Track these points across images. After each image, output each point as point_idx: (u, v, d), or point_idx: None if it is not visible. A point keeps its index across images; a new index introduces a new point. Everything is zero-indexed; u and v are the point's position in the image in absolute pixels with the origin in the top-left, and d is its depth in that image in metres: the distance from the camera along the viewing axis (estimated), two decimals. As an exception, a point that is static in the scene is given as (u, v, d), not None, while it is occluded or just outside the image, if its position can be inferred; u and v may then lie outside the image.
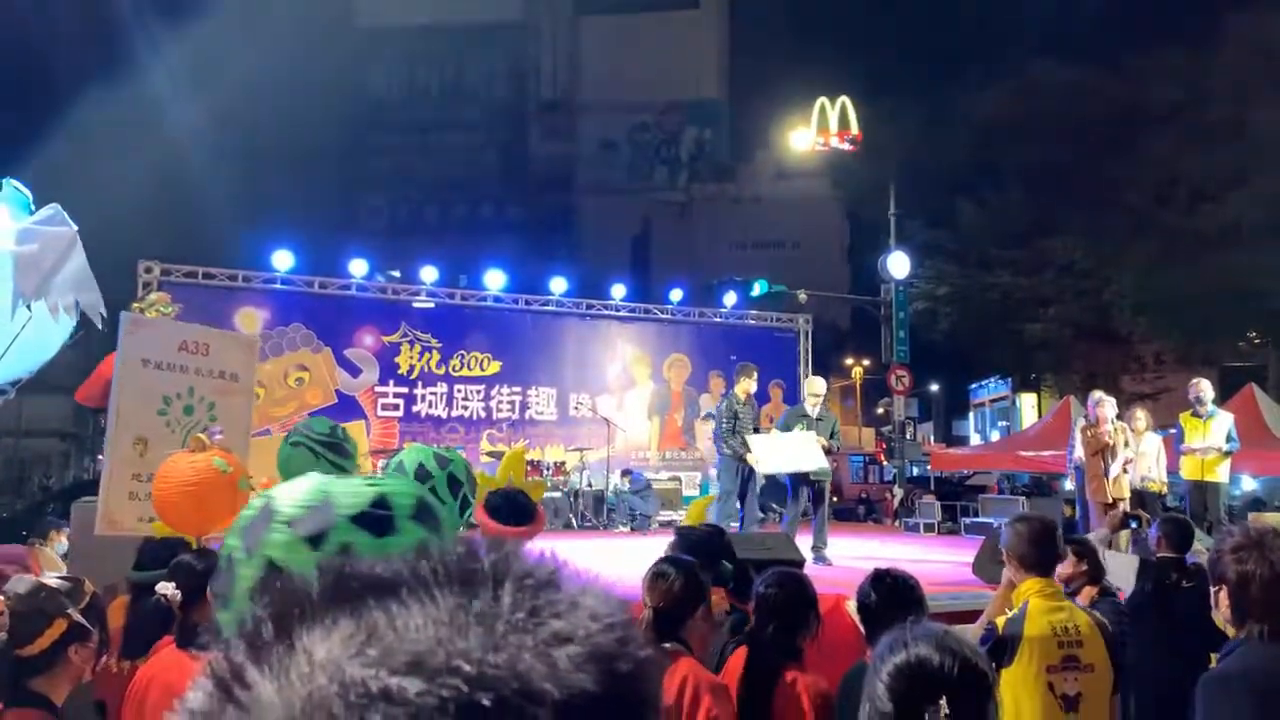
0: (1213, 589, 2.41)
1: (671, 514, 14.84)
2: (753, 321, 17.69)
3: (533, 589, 0.47)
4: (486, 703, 0.41)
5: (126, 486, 4.95)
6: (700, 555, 3.57)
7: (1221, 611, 2.38)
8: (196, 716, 0.45)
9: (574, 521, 13.22)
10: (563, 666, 0.43)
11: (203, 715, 0.44)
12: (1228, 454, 8.99)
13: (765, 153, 45.50)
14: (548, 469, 13.75)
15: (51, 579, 2.62)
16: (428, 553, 0.49)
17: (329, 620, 0.45)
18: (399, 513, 1.30)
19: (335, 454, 4.40)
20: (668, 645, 2.68)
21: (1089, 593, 4.53)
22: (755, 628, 3.01)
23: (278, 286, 14.30)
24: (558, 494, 13.22)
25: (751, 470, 8.57)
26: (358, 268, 14.86)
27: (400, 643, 0.43)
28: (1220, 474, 9.02)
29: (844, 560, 8.40)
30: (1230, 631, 2.41)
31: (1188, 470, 9.08)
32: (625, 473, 14.50)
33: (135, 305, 6.82)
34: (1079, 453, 8.83)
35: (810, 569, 7.03)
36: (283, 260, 14.24)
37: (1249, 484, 16.41)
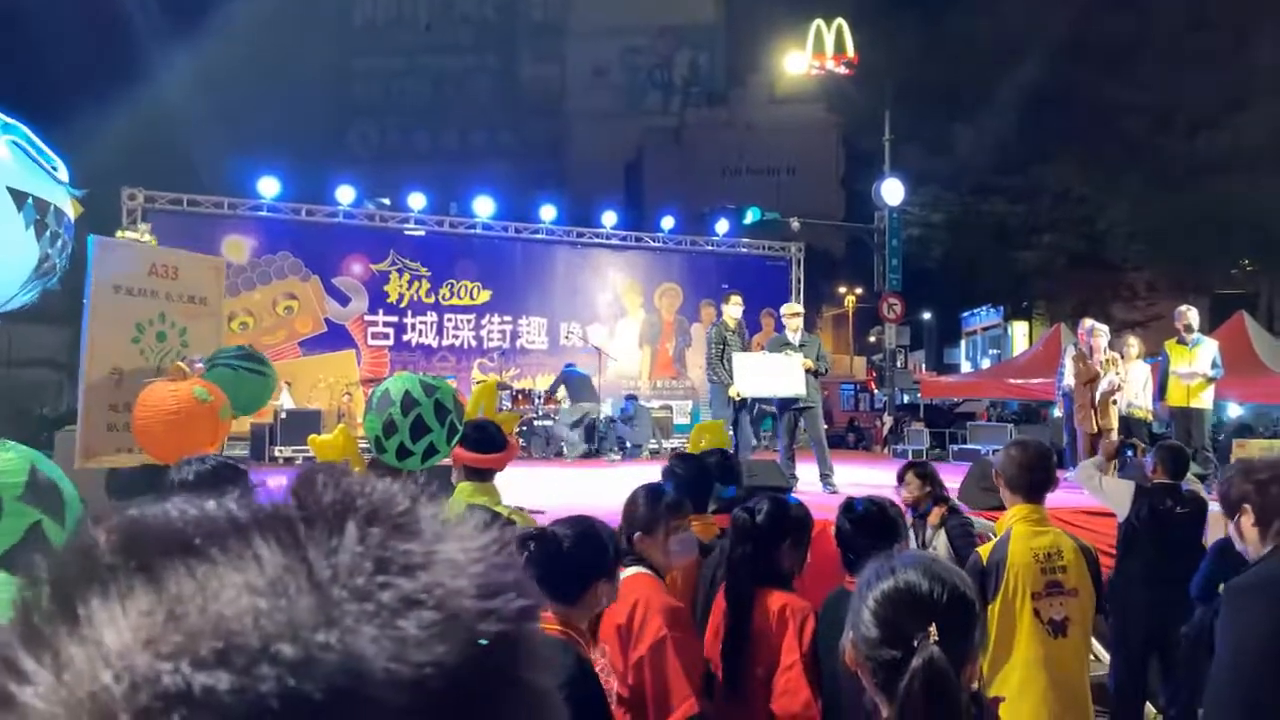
0: (1231, 521, 2.49)
1: (665, 441, 14.95)
2: (745, 250, 17.57)
3: (379, 537, 0.38)
4: (317, 697, 0.32)
5: (105, 418, 4.93)
6: (689, 481, 3.59)
7: (1246, 536, 2.44)
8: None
9: (565, 450, 13.29)
10: (412, 639, 0.34)
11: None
12: (1211, 380, 9.05)
13: (760, 77, 44.69)
14: (538, 398, 13.78)
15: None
16: (250, 495, 0.40)
17: (122, 592, 0.35)
18: (4, 494, 1.23)
19: (252, 363, 4.61)
20: (631, 568, 2.71)
21: (938, 512, 4.60)
22: (729, 550, 3.04)
23: (264, 214, 14.13)
24: (549, 422, 13.27)
25: (744, 400, 8.56)
26: (345, 195, 14.67)
27: (206, 623, 0.33)
28: (1204, 400, 9.09)
29: (843, 488, 8.47)
30: (1253, 553, 2.49)
31: (1173, 397, 9.14)
32: (630, 397, 14.77)
33: (120, 232, 6.72)
34: (1068, 380, 8.88)
35: (821, 497, 7.10)
36: (269, 187, 14.04)
37: (1235, 410, 16.53)
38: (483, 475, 3.35)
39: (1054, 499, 3.68)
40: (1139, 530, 4.82)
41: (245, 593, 0.34)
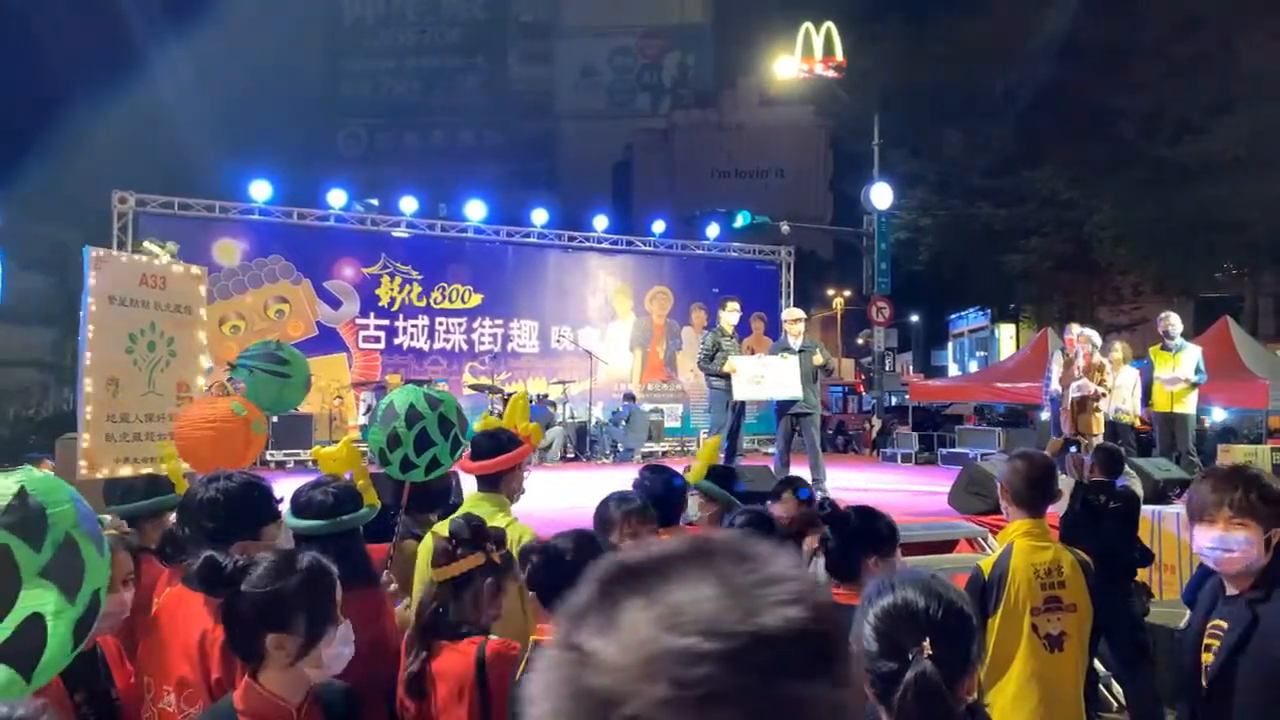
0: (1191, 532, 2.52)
1: (654, 446, 15.01)
2: (735, 254, 17.65)
3: (751, 561, 0.63)
4: (759, 649, 0.58)
5: (104, 428, 4.96)
6: (656, 494, 3.64)
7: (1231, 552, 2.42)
8: (552, 674, 0.61)
9: (556, 454, 13.35)
10: (791, 616, 0.60)
11: (558, 673, 0.61)
12: (1194, 386, 9.16)
13: (749, 79, 44.86)
14: (530, 401, 13.81)
15: None
16: (686, 541, 0.66)
17: (638, 598, 0.61)
18: None
19: (270, 363, 4.62)
20: None
21: (811, 541, 3.86)
22: None
23: (255, 217, 14.13)
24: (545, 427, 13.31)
25: (742, 405, 8.63)
26: (336, 198, 14.67)
27: (696, 615, 0.59)
28: (1188, 405, 9.22)
29: (834, 495, 8.54)
30: None
31: (1157, 402, 9.26)
32: (628, 397, 14.99)
33: (146, 244, 6.71)
34: (1055, 385, 8.97)
35: None
36: (260, 190, 14.04)
37: (1220, 415, 16.70)
38: (492, 484, 3.35)
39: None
40: (1076, 523, 5.22)
41: (707, 598, 0.60)
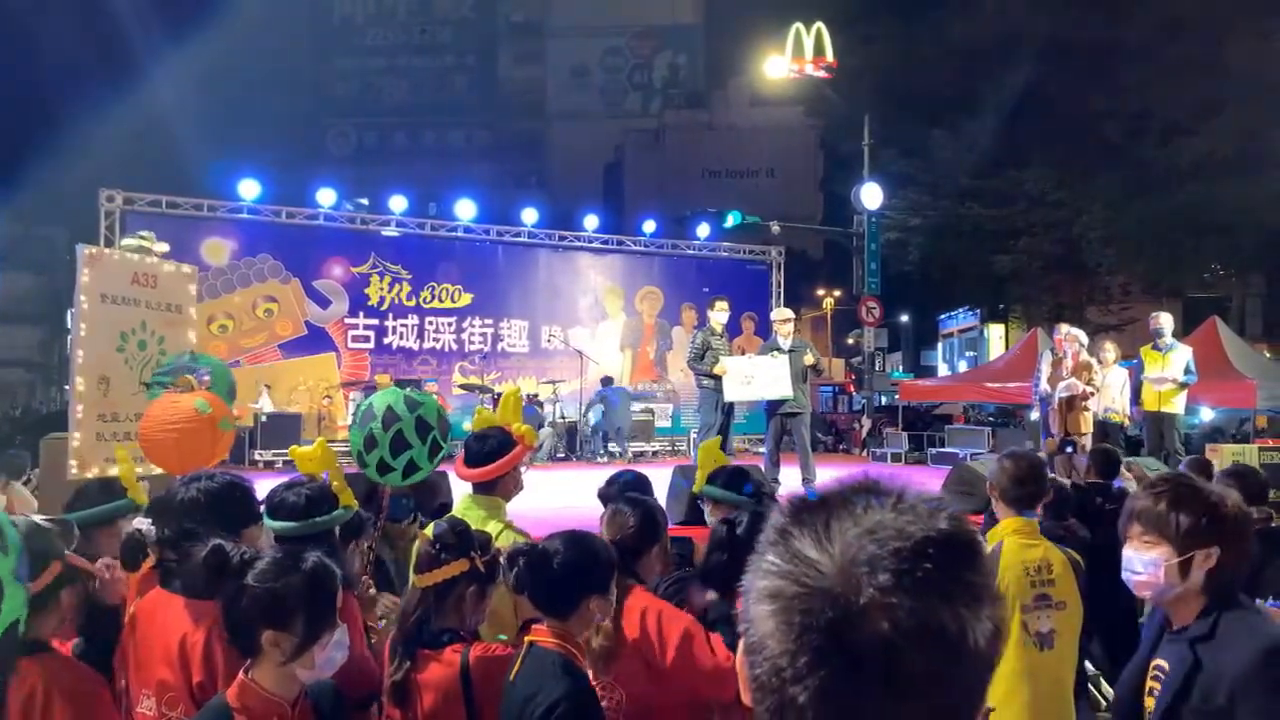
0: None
1: (643, 445, 14.99)
2: (726, 254, 17.65)
3: (904, 494, 0.82)
4: (929, 549, 0.76)
5: (94, 427, 4.92)
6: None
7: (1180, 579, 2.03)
8: (779, 581, 0.78)
9: (545, 455, 13.32)
10: (941, 524, 0.79)
11: (784, 581, 0.77)
12: (1183, 386, 9.20)
13: (740, 80, 44.85)
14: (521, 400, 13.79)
15: (40, 519, 2.61)
16: (857, 488, 0.83)
17: (840, 521, 0.79)
18: None
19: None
20: (627, 580, 2.75)
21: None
22: (704, 560, 3.09)
23: (244, 216, 14.07)
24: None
25: (732, 404, 8.63)
26: (326, 197, 14.62)
27: (885, 529, 0.77)
28: (1176, 405, 9.25)
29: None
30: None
31: (1146, 402, 9.30)
32: (605, 381, 14.73)
33: (123, 243, 6.67)
34: (1044, 385, 8.99)
35: None
36: (249, 189, 13.98)
37: (1207, 414, 16.77)
38: (487, 488, 3.31)
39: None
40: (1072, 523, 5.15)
41: (888, 518, 0.79)
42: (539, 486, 9.00)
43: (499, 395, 13.37)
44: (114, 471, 4.23)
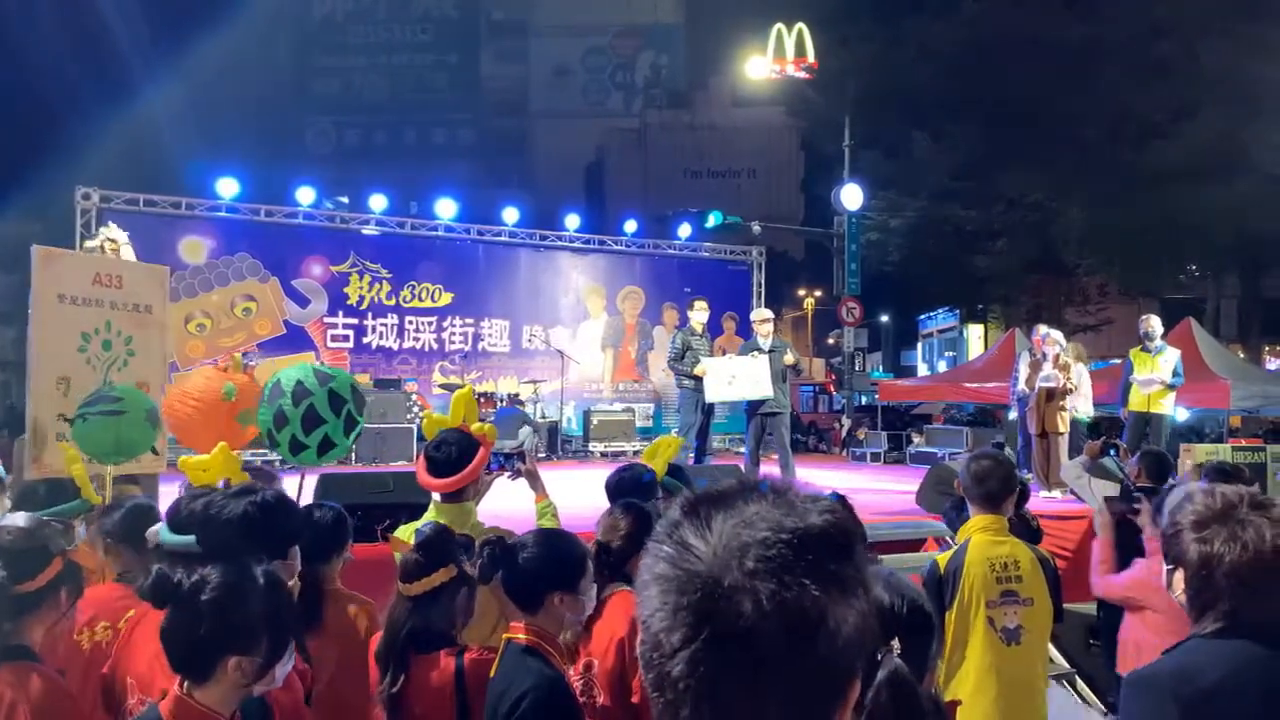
0: (1166, 567, 1.95)
1: (624, 445, 14.98)
2: (707, 254, 17.67)
3: (788, 490, 0.89)
4: (797, 540, 0.82)
5: (53, 428, 4.86)
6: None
7: (1176, 595, 1.92)
8: (662, 565, 0.85)
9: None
10: (815, 518, 0.85)
11: (667, 563, 0.84)
12: (1171, 387, 9.30)
13: (721, 79, 44.96)
14: (501, 400, 13.77)
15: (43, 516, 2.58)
16: (746, 485, 0.90)
17: (721, 512, 0.86)
18: None
19: (105, 404, 4.06)
20: (621, 585, 2.76)
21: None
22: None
23: (222, 214, 13.95)
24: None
25: (711, 405, 8.66)
26: (305, 195, 14.51)
27: (766, 519, 0.84)
28: (1165, 406, 9.36)
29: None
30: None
31: (1134, 402, 9.40)
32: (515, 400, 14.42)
33: (87, 245, 6.58)
34: (1022, 385, 9.07)
35: None
36: (227, 187, 13.86)
37: (1182, 415, 16.92)
38: (454, 496, 3.15)
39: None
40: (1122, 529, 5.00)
41: (765, 511, 0.85)
42: (519, 487, 8.97)
43: (480, 395, 13.34)
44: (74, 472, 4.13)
